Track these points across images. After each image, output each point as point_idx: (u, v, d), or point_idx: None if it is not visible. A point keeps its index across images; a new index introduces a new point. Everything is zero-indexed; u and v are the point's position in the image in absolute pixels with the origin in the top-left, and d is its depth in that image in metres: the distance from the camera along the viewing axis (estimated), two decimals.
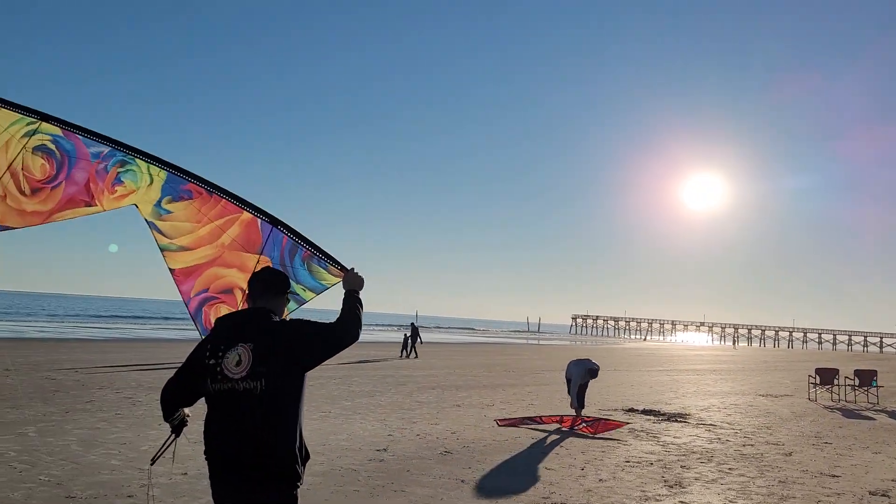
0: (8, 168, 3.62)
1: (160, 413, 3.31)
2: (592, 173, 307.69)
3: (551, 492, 7.45)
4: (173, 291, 3.94)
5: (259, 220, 3.90)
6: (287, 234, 3.89)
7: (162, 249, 3.91)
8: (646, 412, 14.72)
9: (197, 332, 3.91)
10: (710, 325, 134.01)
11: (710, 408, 16.34)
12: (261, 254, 3.91)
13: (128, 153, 3.80)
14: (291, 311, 3.89)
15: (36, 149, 3.68)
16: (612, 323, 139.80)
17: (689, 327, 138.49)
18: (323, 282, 3.95)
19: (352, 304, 3.42)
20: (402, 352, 31.60)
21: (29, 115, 3.66)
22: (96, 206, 3.78)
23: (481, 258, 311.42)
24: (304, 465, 3.14)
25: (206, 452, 3.10)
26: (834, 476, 8.90)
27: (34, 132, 3.67)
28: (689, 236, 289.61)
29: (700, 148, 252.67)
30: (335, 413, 12.43)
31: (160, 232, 3.88)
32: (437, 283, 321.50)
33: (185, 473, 7.17)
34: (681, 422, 13.53)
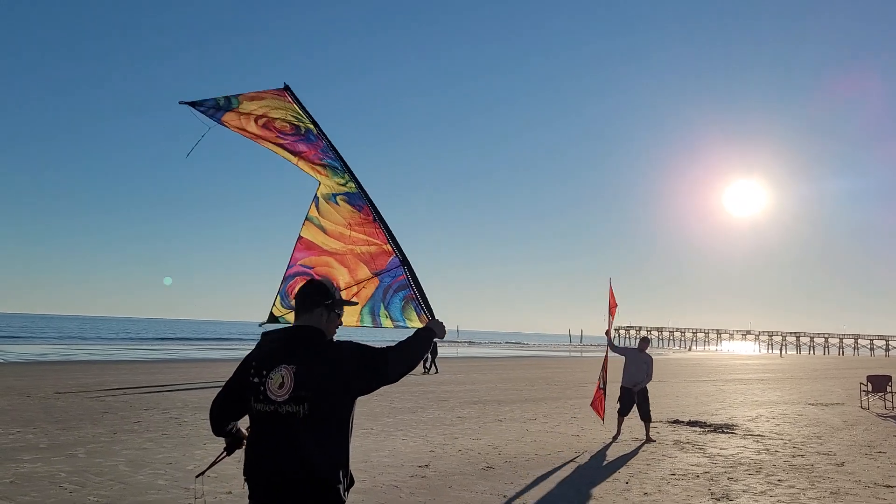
0: (262, 113, 4.12)
1: (206, 432, 3.35)
2: (634, 182, 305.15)
3: None
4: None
5: (394, 255, 4.15)
6: (407, 275, 4.11)
7: (307, 218, 4.33)
8: (691, 423, 14.46)
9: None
10: (757, 333, 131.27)
11: (757, 418, 15.98)
12: (375, 276, 4.19)
13: (341, 163, 4.16)
14: (364, 325, 4.13)
15: (287, 121, 4.16)
16: (655, 333, 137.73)
17: (734, 336, 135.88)
18: (408, 321, 4.12)
19: (421, 339, 3.37)
20: (423, 367, 31.32)
21: (303, 114, 4.09)
22: (293, 158, 4.26)
23: (524, 271, 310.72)
24: (348, 490, 3.10)
25: (245, 472, 3.11)
26: (889, 486, 8.63)
27: (299, 119, 4.14)
28: (733, 243, 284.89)
29: (744, 153, 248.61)
30: (377, 430, 12.47)
31: (317, 207, 4.31)
32: (481, 298, 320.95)
33: (230, 492, 7.27)
34: (728, 433, 13.26)
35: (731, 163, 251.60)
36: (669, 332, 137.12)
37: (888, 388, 19.45)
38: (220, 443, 3.43)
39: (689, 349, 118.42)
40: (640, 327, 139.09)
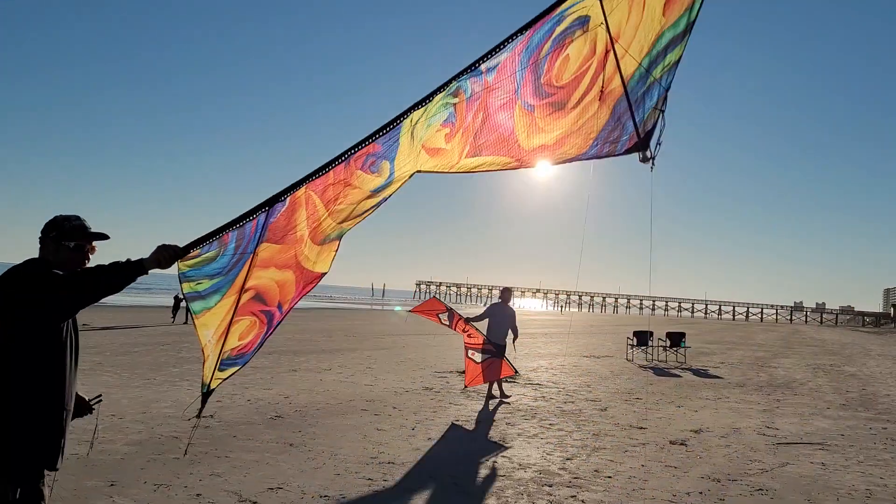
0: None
1: None
2: None
3: (380, 451, 7.52)
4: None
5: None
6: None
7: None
8: None
9: None
10: (546, 291, 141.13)
11: (538, 368, 17.20)
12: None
13: None
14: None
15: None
16: (454, 289, 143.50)
17: (526, 294, 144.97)
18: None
19: (117, 269, 3.00)
20: (173, 316, 28.40)
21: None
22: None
23: None
24: (26, 444, 2.87)
25: None
26: (641, 428, 9.68)
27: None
28: (530, 207, 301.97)
29: None
30: (159, 380, 11.83)
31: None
32: None
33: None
34: (510, 382, 14.12)
35: None
36: (468, 287, 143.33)
37: (649, 343, 21.81)
38: None
39: (485, 305, 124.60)
40: (441, 282, 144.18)
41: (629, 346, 22.10)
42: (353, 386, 12.54)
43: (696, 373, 18.04)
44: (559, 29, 2.72)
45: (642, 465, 7.45)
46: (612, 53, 2.69)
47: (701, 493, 6.49)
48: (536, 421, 9.84)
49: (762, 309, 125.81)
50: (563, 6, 2.66)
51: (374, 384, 12.89)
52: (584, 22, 2.68)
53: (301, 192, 3.35)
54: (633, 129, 2.80)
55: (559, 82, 2.79)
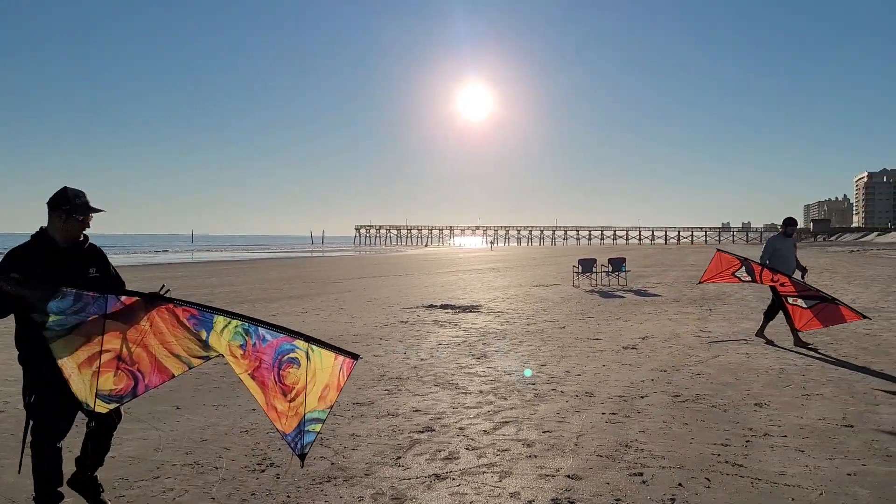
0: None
1: None
2: (371, 87, 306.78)
3: (385, 371, 8.85)
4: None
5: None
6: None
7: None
8: (444, 307, 16.67)
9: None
10: (485, 228, 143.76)
11: (495, 299, 18.75)
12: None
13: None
14: None
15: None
16: (394, 232, 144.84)
17: (465, 232, 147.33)
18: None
19: None
20: None
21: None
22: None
23: (260, 175, 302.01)
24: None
25: None
26: (597, 339, 11.29)
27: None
28: (464, 145, 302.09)
29: (475, 58, 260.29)
30: None
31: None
32: (214, 201, 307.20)
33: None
34: (474, 312, 15.62)
35: (464, 68, 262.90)
36: (407, 230, 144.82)
37: (593, 269, 23.64)
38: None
39: (426, 245, 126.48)
40: (381, 226, 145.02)
41: (574, 274, 23.91)
42: (335, 325, 13.77)
43: (638, 293, 19.94)
44: (286, 357, 4.21)
45: (603, 365, 9.01)
46: (304, 393, 4.20)
47: (653, 380, 8.08)
48: (507, 341, 11.33)
49: (692, 232, 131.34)
50: (294, 343, 4.20)
51: (353, 322, 14.15)
52: (295, 362, 4.21)
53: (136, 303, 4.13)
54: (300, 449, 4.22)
55: (285, 382, 4.21)
